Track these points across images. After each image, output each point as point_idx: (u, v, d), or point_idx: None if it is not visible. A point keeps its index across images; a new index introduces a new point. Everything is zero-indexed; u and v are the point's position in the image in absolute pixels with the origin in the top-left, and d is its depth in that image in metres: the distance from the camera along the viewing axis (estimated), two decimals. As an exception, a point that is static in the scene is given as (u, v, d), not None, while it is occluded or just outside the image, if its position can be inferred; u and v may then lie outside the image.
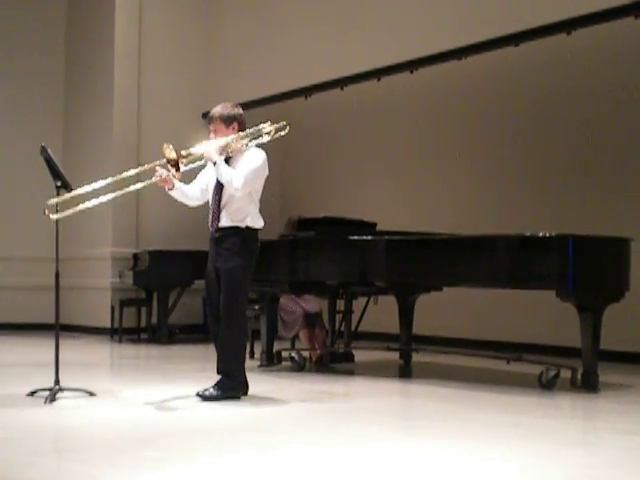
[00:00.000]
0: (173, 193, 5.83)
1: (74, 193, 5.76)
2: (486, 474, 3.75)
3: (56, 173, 5.78)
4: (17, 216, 11.70)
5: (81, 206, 5.78)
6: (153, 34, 11.47)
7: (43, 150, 5.80)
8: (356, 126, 11.26)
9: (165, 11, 11.59)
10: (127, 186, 5.98)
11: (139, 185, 6.07)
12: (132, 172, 5.91)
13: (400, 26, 8.88)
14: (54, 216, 5.70)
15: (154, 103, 11.33)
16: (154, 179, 5.70)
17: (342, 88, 9.92)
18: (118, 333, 10.41)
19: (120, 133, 11.13)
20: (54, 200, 5.71)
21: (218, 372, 5.75)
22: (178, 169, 5.52)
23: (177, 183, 5.77)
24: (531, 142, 9.34)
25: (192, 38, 11.71)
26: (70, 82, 12.20)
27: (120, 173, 5.97)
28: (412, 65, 8.94)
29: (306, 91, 10.19)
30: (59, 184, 5.77)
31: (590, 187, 8.77)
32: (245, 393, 5.82)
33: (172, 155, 5.48)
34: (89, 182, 5.85)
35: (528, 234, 6.33)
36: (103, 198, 5.82)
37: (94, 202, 5.79)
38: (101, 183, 5.79)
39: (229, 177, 5.61)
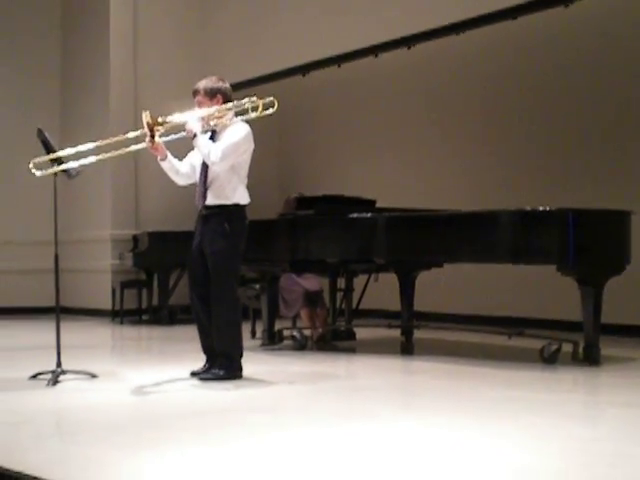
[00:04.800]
0: (164, 164, 5.77)
1: (59, 154, 5.74)
2: (488, 449, 3.75)
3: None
4: (16, 199, 11.67)
5: (63, 166, 5.77)
6: (149, 15, 11.40)
7: (40, 132, 5.79)
8: (353, 103, 11.21)
9: (160, -9, 11.52)
10: (113, 150, 5.94)
11: (128, 149, 5.98)
12: (111, 140, 5.84)
13: (397, 2, 8.82)
14: (38, 172, 5.73)
15: (151, 84, 11.27)
16: (144, 144, 5.65)
17: (339, 65, 9.88)
18: (119, 315, 10.43)
19: (117, 115, 11.07)
20: (41, 158, 5.73)
21: (215, 353, 5.75)
22: (153, 136, 5.47)
23: (170, 156, 5.74)
24: (531, 116, 9.30)
25: (187, 18, 11.63)
26: (66, 64, 12.14)
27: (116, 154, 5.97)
28: (409, 41, 8.89)
29: (303, 69, 10.15)
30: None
31: (590, 161, 8.74)
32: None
33: (147, 119, 5.42)
34: (87, 164, 5.83)
35: (528, 209, 6.31)
36: (86, 160, 5.80)
37: (75, 163, 5.79)
38: (87, 146, 5.75)
39: (207, 150, 5.56)
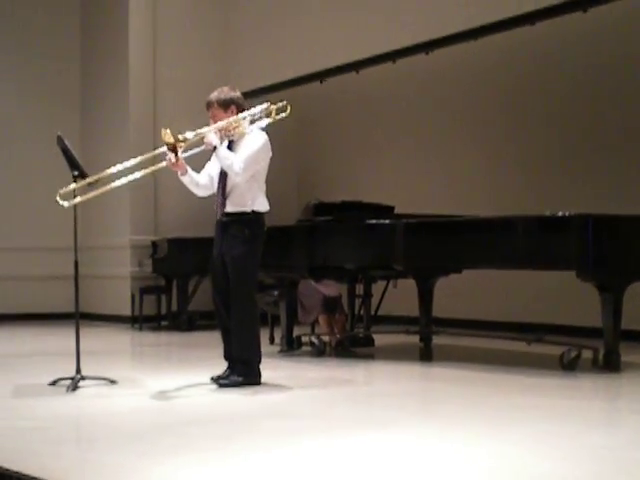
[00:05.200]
0: (184, 179, 5.81)
1: (81, 183, 5.76)
2: (508, 456, 3.74)
3: (73, 163, 5.80)
4: (36, 206, 11.72)
5: (90, 194, 5.79)
6: (168, 19, 11.44)
7: (59, 140, 5.82)
8: (372, 109, 11.21)
9: (180, -4, 11.58)
10: (136, 172, 5.95)
11: (149, 170, 6.00)
12: (133, 162, 5.84)
13: (415, 8, 8.81)
14: (66, 203, 5.72)
15: (170, 90, 11.32)
16: (164, 163, 5.70)
17: (357, 71, 9.88)
18: (138, 321, 10.46)
19: (136, 120, 11.14)
20: (69, 187, 5.74)
21: (233, 359, 5.76)
22: (176, 154, 5.51)
23: (189, 170, 5.77)
24: (550, 122, 9.27)
25: (207, 23, 11.66)
26: (86, 70, 12.22)
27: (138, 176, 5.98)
28: (427, 47, 8.88)
29: (321, 75, 10.16)
30: (76, 174, 5.79)
31: (612, 166, 8.69)
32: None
33: (169, 139, 5.45)
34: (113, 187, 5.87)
35: (547, 214, 6.29)
36: (112, 185, 5.80)
37: (101, 190, 5.79)
38: (108, 172, 5.78)
39: (229, 162, 5.59)
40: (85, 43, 12.24)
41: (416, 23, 8.78)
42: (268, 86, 10.47)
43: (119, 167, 5.78)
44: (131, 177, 5.87)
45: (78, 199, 5.78)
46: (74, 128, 11.74)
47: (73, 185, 5.77)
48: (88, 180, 5.77)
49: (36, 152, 11.60)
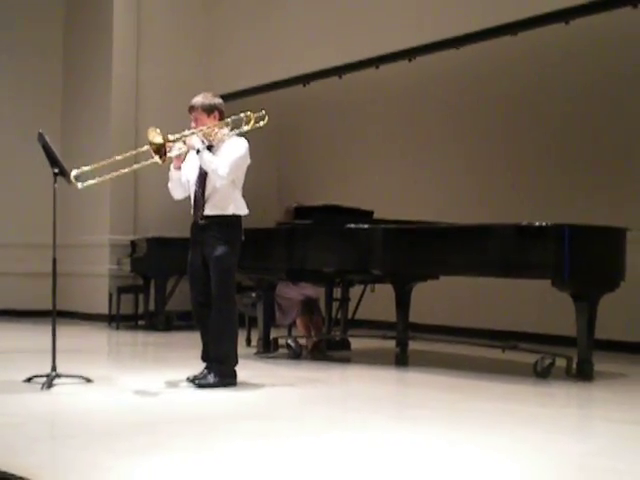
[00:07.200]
0: (175, 174, 5.84)
1: (94, 166, 5.78)
2: (479, 463, 3.77)
3: (53, 160, 5.80)
4: (15, 202, 11.69)
5: (105, 177, 5.89)
6: (152, 22, 11.44)
7: (40, 137, 5.82)
8: (353, 114, 11.25)
9: (164, -1, 11.58)
10: (138, 162, 6.10)
11: (138, 165, 6.13)
12: (130, 153, 5.97)
13: (399, 14, 8.87)
14: (80, 185, 5.70)
15: (152, 91, 11.32)
16: (173, 153, 5.68)
17: (340, 76, 9.93)
18: (115, 320, 10.44)
19: (118, 121, 11.12)
20: (78, 170, 5.72)
21: (210, 359, 5.79)
22: (165, 154, 5.53)
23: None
24: (527, 131, 9.34)
25: (191, 26, 11.68)
26: (68, 70, 12.18)
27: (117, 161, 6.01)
28: (410, 53, 8.95)
29: (304, 79, 10.20)
30: (56, 171, 5.79)
31: (585, 177, 8.77)
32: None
33: (158, 140, 5.47)
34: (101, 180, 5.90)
35: (524, 223, 6.34)
36: (101, 178, 5.87)
37: (110, 176, 5.91)
38: (118, 158, 5.85)
39: (214, 166, 5.64)
40: (68, 40, 12.20)
41: (399, 30, 8.84)
42: (251, 88, 10.50)
43: (118, 158, 5.86)
44: (117, 173, 5.96)
45: (92, 181, 5.78)
46: (55, 125, 11.71)
47: (87, 167, 5.77)
48: (93, 166, 5.78)
49: (16, 149, 11.55)
